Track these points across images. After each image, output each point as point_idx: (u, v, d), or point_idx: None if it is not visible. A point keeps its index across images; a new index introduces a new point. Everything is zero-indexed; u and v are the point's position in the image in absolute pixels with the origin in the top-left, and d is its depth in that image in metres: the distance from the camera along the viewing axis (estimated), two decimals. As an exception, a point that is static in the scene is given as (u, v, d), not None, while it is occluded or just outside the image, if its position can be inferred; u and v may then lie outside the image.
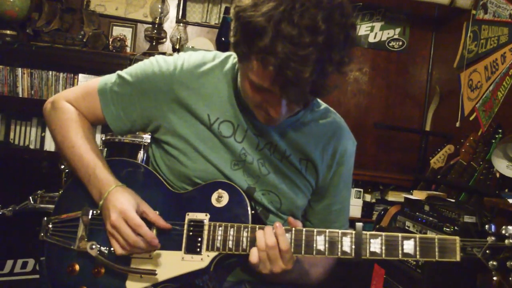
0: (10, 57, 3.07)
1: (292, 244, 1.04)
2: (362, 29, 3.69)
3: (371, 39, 3.72)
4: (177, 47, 3.36)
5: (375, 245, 1.01)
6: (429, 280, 1.95)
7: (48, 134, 3.15)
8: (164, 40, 3.50)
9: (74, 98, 1.24)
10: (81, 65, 3.14)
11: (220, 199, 1.13)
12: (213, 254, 1.08)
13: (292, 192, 1.21)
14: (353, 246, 1.02)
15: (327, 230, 1.04)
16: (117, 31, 3.43)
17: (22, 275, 2.46)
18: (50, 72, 3.15)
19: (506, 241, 0.96)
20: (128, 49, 3.38)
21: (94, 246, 1.10)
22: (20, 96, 3.11)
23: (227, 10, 3.39)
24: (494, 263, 0.96)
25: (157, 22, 3.37)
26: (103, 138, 2.18)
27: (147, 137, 2.03)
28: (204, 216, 1.11)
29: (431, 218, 2.13)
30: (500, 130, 2.56)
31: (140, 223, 1.06)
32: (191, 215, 1.12)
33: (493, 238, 0.97)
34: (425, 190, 2.71)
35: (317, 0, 0.89)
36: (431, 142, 3.38)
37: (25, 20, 3.11)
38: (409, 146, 3.70)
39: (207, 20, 3.55)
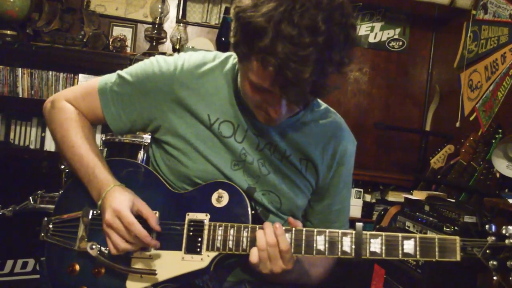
0: (10, 57, 3.07)
1: (292, 244, 1.04)
2: (362, 29, 3.69)
3: (371, 39, 3.72)
4: (177, 47, 3.36)
5: (375, 245, 1.01)
6: (429, 280, 1.94)
7: (48, 134, 3.15)
8: (164, 40, 3.50)
9: (74, 97, 1.24)
10: (81, 65, 3.14)
11: (220, 199, 1.13)
12: (213, 254, 1.08)
13: (292, 192, 1.21)
14: (353, 246, 1.02)
15: (327, 230, 1.04)
16: (117, 31, 3.42)
17: (22, 275, 2.46)
18: (50, 72, 3.15)
19: (506, 241, 0.96)
20: (128, 49, 3.38)
21: (94, 246, 1.10)
22: (20, 96, 3.11)
23: (227, 10, 3.38)
24: (494, 263, 0.96)
25: (157, 22, 3.37)
26: (103, 138, 2.18)
27: (147, 137, 2.03)
28: (204, 216, 1.12)
29: (431, 218, 2.12)
30: (500, 130, 2.56)
31: (132, 221, 1.05)
32: (191, 215, 1.12)
33: (493, 238, 0.97)
34: (425, 190, 2.71)
35: (317, 1, 0.89)
36: (431, 142, 3.39)
37: (25, 20, 3.11)
38: (409, 146, 3.70)
39: (207, 20, 3.55)
